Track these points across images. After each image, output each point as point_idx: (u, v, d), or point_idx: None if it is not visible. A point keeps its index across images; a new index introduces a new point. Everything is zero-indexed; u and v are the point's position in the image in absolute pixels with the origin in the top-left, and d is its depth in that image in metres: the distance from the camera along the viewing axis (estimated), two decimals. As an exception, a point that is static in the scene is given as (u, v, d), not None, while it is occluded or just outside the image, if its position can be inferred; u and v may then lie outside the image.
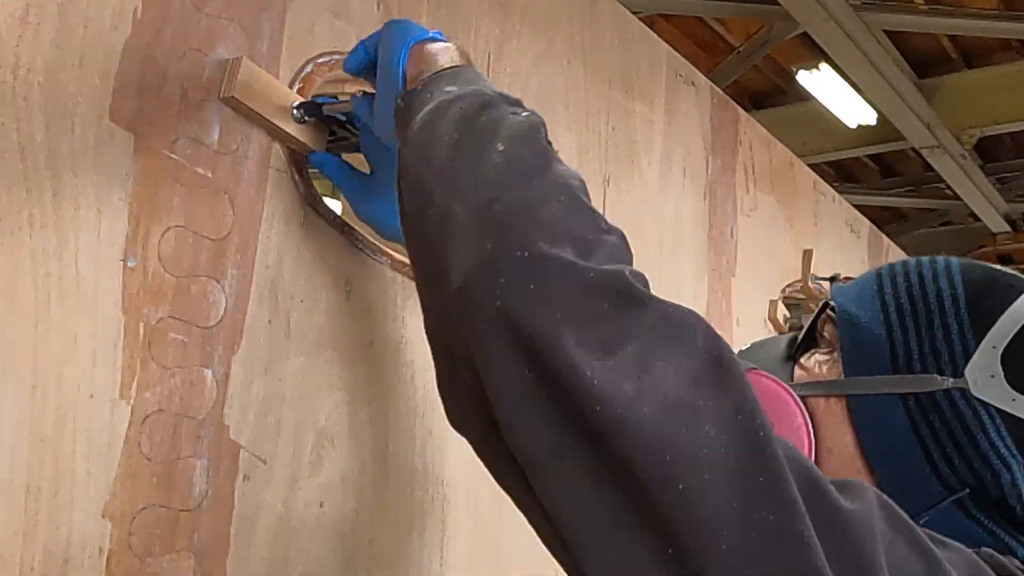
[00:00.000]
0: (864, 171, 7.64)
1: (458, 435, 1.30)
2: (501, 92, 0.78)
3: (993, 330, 0.74)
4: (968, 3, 4.93)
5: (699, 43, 5.60)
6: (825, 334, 0.85)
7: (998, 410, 0.73)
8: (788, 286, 2.24)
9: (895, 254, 3.03)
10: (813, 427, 0.77)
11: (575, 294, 0.61)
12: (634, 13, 1.74)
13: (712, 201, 1.89)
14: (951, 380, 0.74)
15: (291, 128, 1.08)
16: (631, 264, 0.67)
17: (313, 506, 1.10)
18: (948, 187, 6.82)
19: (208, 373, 1.00)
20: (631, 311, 0.61)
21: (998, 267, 0.81)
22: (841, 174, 7.50)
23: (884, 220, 7.98)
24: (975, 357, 0.74)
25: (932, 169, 6.37)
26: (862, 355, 0.78)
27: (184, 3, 0.99)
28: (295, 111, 1.08)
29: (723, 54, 5.49)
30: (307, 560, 1.09)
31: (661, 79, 1.76)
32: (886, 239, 2.97)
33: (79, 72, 0.90)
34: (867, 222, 2.83)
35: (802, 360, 0.85)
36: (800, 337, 0.87)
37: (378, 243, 1.21)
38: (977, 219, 7.54)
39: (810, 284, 2.27)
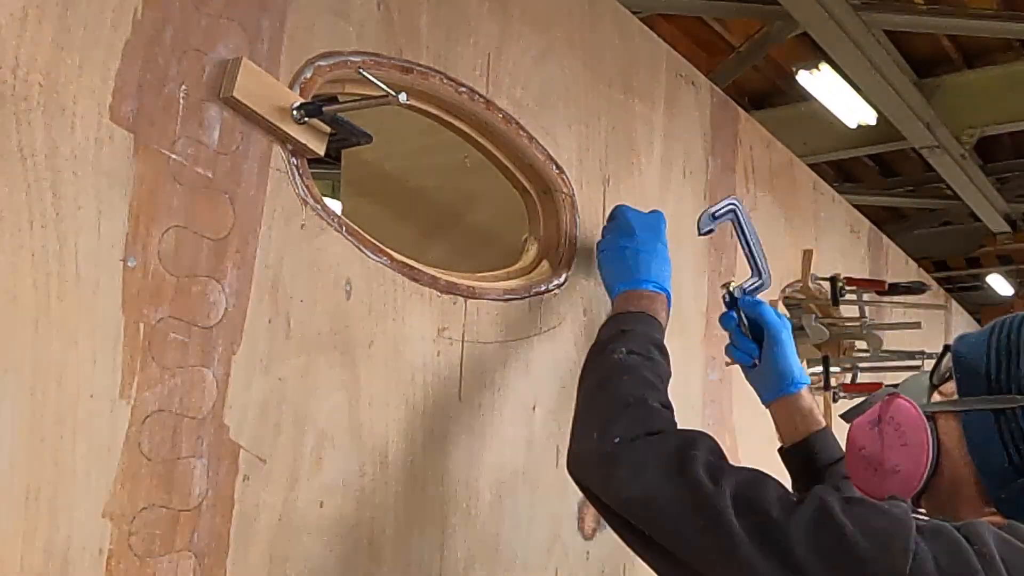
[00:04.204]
0: (864, 171, 7.63)
1: (458, 435, 1.30)
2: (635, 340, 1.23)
3: None
4: (968, 3, 4.93)
5: (699, 43, 5.59)
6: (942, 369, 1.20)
7: None
8: (788, 286, 2.24)
9: (895, 254, 3.03)
10: (936, 429, 1.14)
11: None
12: (634, 13, 1.73)
13: (712, 201, 1.89)
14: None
15: (291, 128, 1.08)
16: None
17: (313, 506, 1.10)
18: (948, 187, 6.81)
19: (208, 373, 1.00)
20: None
21: None
22: (841, 174, 7.48)
23: (884, 220, 7.98)
24: None
25: (932, 169, 6.36)
26: (968, 382, 1.13)
27: (184, 3, 0.99)
28: (295, 111, 1.08)
29: (723, 54, 5.48)
30: (307, 560, 1.09)
31: (661, 79, 1.76)
32: (886, 239, 2.97)
33: (79, 72, 0.90)
34: (867, 222, 2.83)
35: (940, 387, 1.20)
36: (937, 372, 1.21)
37: (378, 243, 1.21)
38: (977, 219, 7.54)
39: (810, 284, 2.27)
